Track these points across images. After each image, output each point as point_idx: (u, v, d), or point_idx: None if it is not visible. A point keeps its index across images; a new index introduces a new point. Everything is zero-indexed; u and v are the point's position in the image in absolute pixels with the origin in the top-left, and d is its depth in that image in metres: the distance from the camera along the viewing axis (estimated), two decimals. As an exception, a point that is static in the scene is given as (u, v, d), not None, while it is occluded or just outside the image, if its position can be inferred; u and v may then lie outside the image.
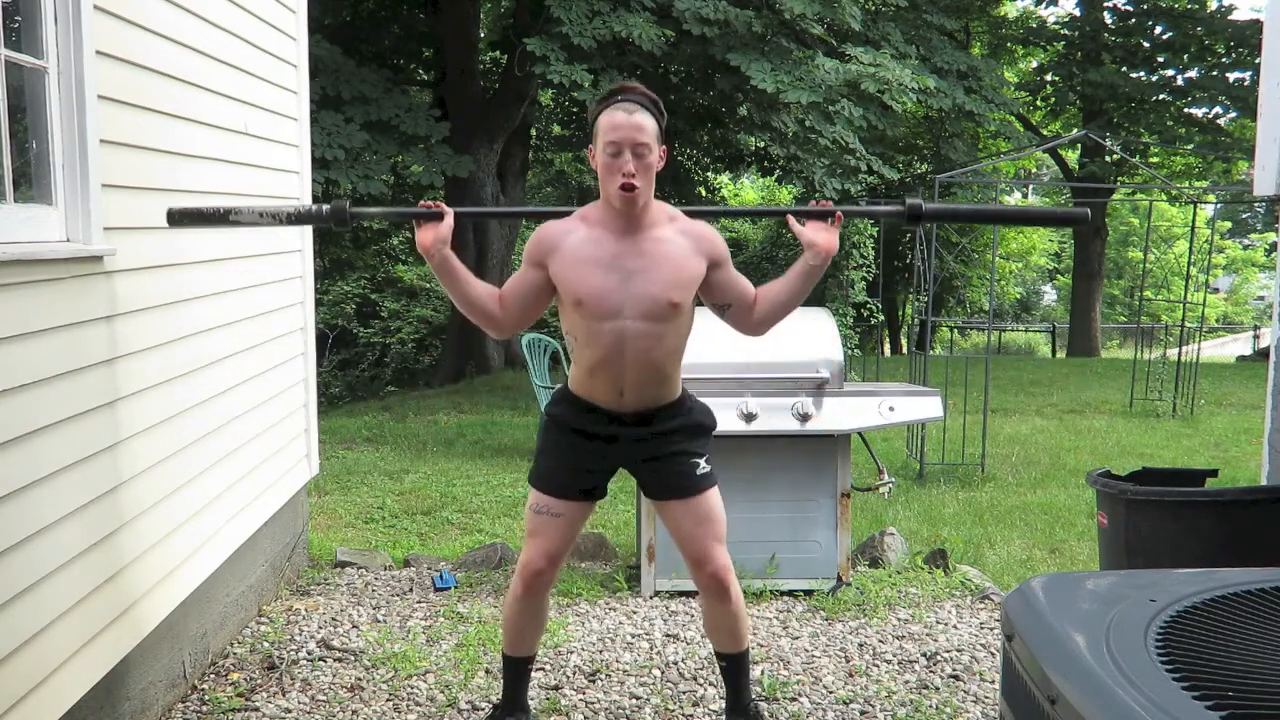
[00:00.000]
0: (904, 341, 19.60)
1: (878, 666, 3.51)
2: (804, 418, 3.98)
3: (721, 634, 2.85)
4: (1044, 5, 20.78)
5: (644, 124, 2.55)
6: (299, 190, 4.32)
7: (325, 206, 2.68)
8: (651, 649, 3.63)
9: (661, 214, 2.65)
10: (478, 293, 2.65)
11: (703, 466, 2.75)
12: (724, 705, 3.01)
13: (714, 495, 2.76)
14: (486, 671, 3.39)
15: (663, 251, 2.59)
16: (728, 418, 3.95)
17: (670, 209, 2.69)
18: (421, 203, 2.63)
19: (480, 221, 13.17)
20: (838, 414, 4.02)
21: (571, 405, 2.76)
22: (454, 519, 5.86)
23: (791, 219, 2.65)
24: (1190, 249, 10.74)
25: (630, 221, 2.59)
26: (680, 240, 2.63)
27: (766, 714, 3.07)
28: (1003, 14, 20.80)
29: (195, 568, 3.24)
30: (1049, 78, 20.42)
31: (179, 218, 2.67)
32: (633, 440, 2.72)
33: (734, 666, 2.90)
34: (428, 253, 2.57)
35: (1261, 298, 34.21)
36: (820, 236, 2.59)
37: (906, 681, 3.39)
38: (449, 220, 2.59)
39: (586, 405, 2.73)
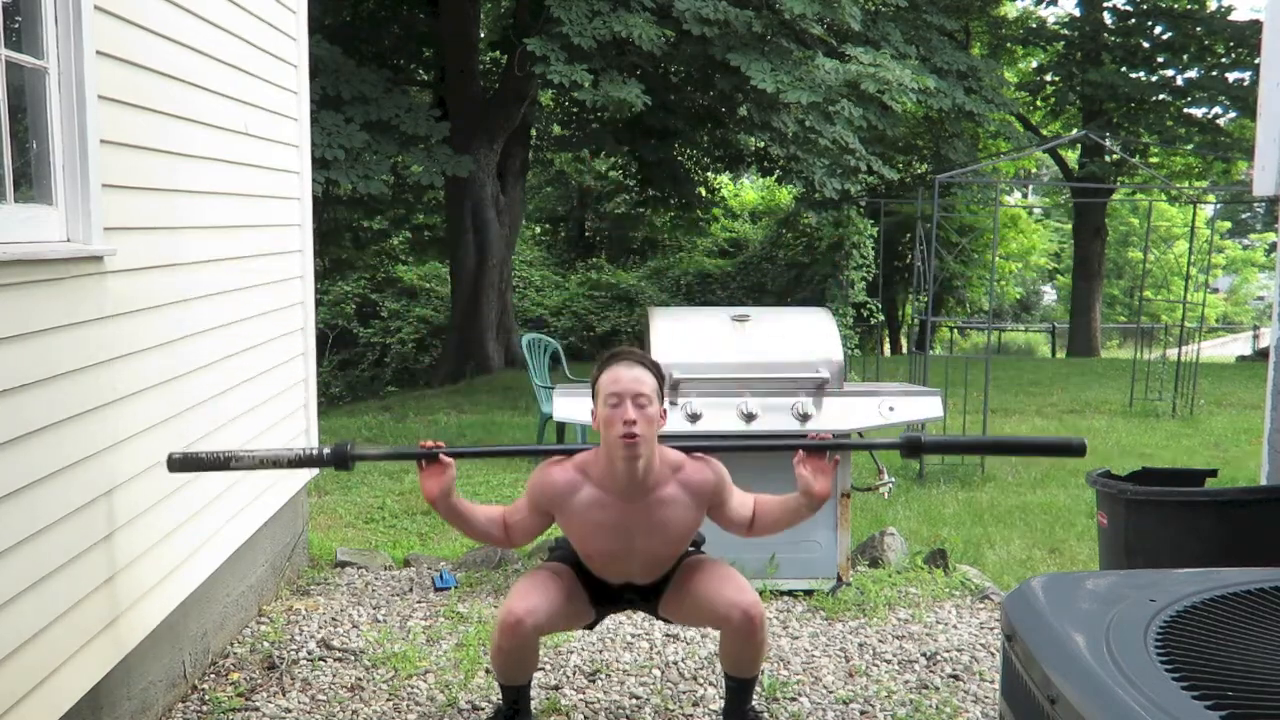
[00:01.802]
0: (904, 341, 19.60)
1: (878, 666, 3.51)
2: (804, 418, 3.98)
3: (742, 664, 2.84)
4: (1044, 5, 20.79)
5: (643, 378, 2.60)
6: (299, 190, 4.32)
7: (325, 449, 2.73)
8: (651, 649, 3.63)
9: (665, 468, 2.68)
10: (484, 526, 2.76)
11: (693, 550, 2.90)
12: (722, 706, 3.01)
13: (713, 558, 2.88)
14: (486, 671, 3.39)
15: (666, 515, 2.67)
16: (728, 418, 3.95)
17: (673, 456, 2.71)
18: (421, 443, 2.68)
19: (480, 223, 13.18)
20: (838, 414, 4.01)
21: (577, 564, 2.88)
22: (454, 519, 5.86)
23: (795, 462, 2.67)
24: (1190, 249, 10.74)
25: (634, 486, 2.63)
26: (682, 498, 2.69)
27: (767, 714, 3.08)
28: (1003, 14, 20.80)
29: (195, 568, 3.24)
30: (1049, 78, 20.43)
31: (179, 463, 2.72)
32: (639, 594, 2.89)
33: (743, 688, 2.90)
34: (434, 503, 2.65)
35: (1261, 298, 34.21)
36: (817, 482, 2.64)
37: (906, 681, 3.39)
38: (452, 470, 2.65)
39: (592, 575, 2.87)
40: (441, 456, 2.63)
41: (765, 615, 2.76)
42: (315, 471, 4.57)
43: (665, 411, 2.67)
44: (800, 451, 2.66)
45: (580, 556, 2.82)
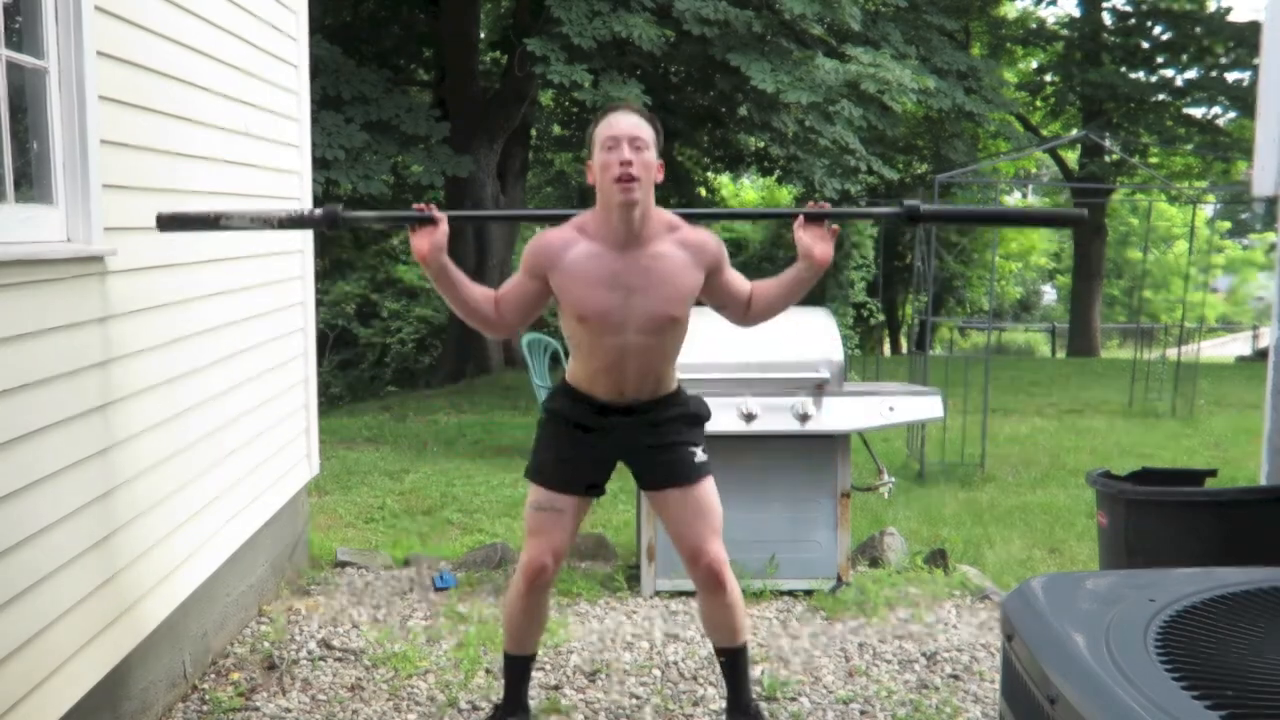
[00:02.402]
0: (904, 341, 19.60)
1: (878, 666, 3.51)
2: (804, 418, 3.98)
3: (719, 629, 2.85)
4: (1044, 5, 20.80)
5: (641, 124, 2.58)
6: (299, 191, 4.32)
7: (317, 210, 2.68)
8: (651, 649, 3.63)
9: (661, 225, 2.65)
10: (474, 297, 2.65)
11: (699, 455, 2.77)
12: (724, 705, 3.01)
13: (710, 486, 2.77)
14: (486, 671, 3.39)
15: (663, 268, 2.61)
16: (728, 418, 3.95)
17: (670, 216, 2.69)
18: (415, 206, 2.61)
19: (479, 223, 13.17)
20: (838, 414, 4.02)
21: (569, 398, 2.78)
22: (454, 519, 5.86)
23: (795, 227, 2.64)
24: (1190, 249, 10.74)
25: (630, 236, 2.59)
26: (679, 254, 2.64)
27: (767, 714, 3.08)
28: (1002, 14, 20.80)
29: (196, 568, 3.24)
30: (1049, 78, 20.43)
31: (168, 222, 2.67)
32: (630, 429, 2.74)
33: (733, 663, 2.89)
34: (425, 260, 2.56)
35: (1261, 298, 34.19)
36: (817, 247, 2.61)
37: (906, 681, 3.39)
38: (444, 227, 2.57)
39: (585, 397, 2.74)
40: (435, 214, 2.57)
41: (731, 572, 2.74)
42: (316, 471, 4.57)
43: (663, 164, 2.63)
44: (800, 218, 2.63)
45: (573, 341, 2.68)
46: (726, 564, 2.74)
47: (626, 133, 2.53)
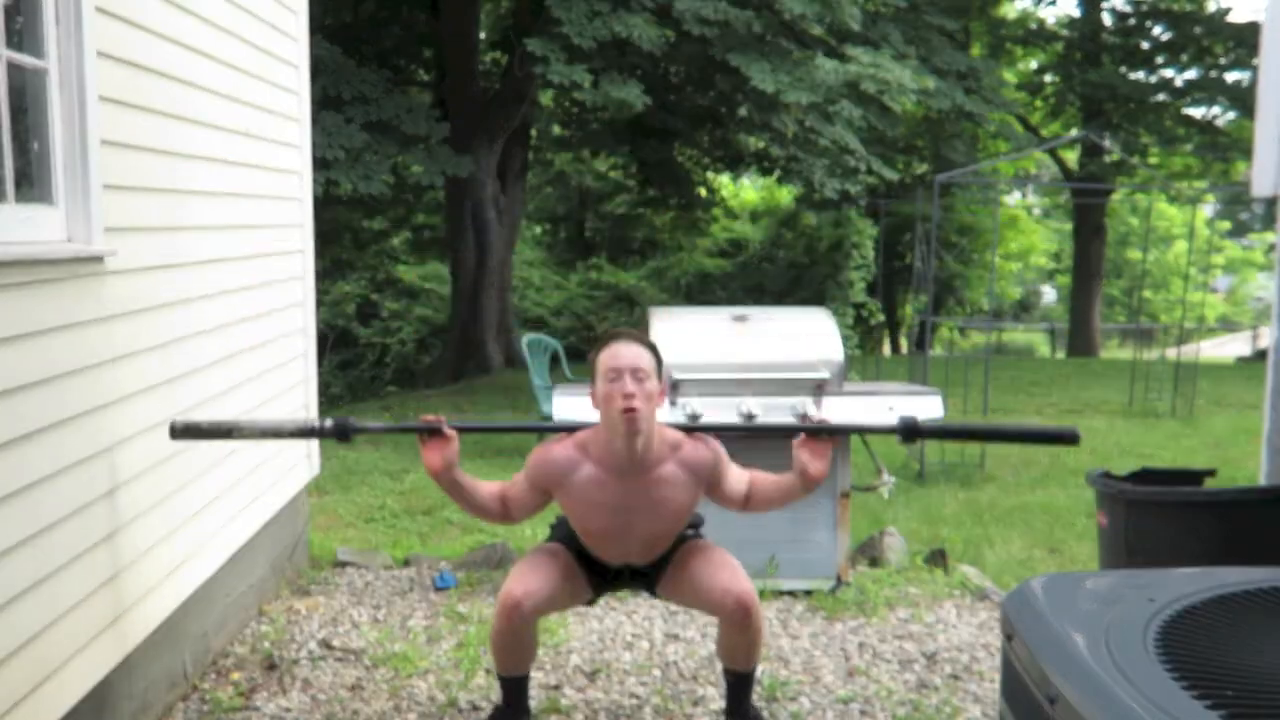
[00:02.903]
0: (904, 341, 19.60)
1: (877, 666, 3.51)
2: (804, 418, 3.98)
3: (737, 657, 2.86)
4: (1043, 5, 20.81)
5: (642, 355, 2.62)
6: (300, 191, 4.32)
7: (328, 422, 2.74)
8: (651, 649, 3.63)
9: (664, 446, 2.69)
10: (483, 500, 2.74)
11: (689, 533, 2.90)
12: (724, 707, 3.02)
13: (710, 543, 2.88)
14: (486, 671, 3.39)
15: (665, 494, 2.68)
16: (728, 418, 3.95)
17: (671, 435, 2.73)
18: (422, 417, 2.66)
19: (480, 223, 13.17)
20: (838, 414, 4.01)
21: (576, 542, 2.88)
22: (454, 519, 5.86)
23: (794, 444, 2.68)
24: (1189, 249, 10.74)
25: (633, 463, 2.64)
26: (681, 476, 2.70)
27: (767, 715, 3.08)
28: (1002, 15, 20.80)
29: (196, 568, 3.24)
30: (1048, 78, 20.43)
31: (181, 432, 2.73)
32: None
33: (741, 682, 2.91)
34: (436, 475, 2.64)
35: (1260, 298, 34.18)
36: (813, 465, 2.64)
37: (906, 681, 3.39)
38: (455, 444, 2.64)
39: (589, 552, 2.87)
40: (445, 429, 2.62)
41: (759, 605, 2.76)
42: (316, 471, 4.58)
43: (664, 390, 2.69)
44: (801, 434, 2.67)
45: (579, 535, 2.83)
46: (756, 598, 2.75)
47: (629, 364, 2.58)
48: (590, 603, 3.00)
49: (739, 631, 2.76)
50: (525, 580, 2.71)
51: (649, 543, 2.79)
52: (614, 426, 2.59)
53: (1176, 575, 2.12)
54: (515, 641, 2.76)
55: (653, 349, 2.67)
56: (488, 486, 2.77)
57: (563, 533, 2.90)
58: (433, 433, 2.63)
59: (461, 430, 2.68)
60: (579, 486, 2.68)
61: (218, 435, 2.74)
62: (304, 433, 2.80)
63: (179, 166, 3.11)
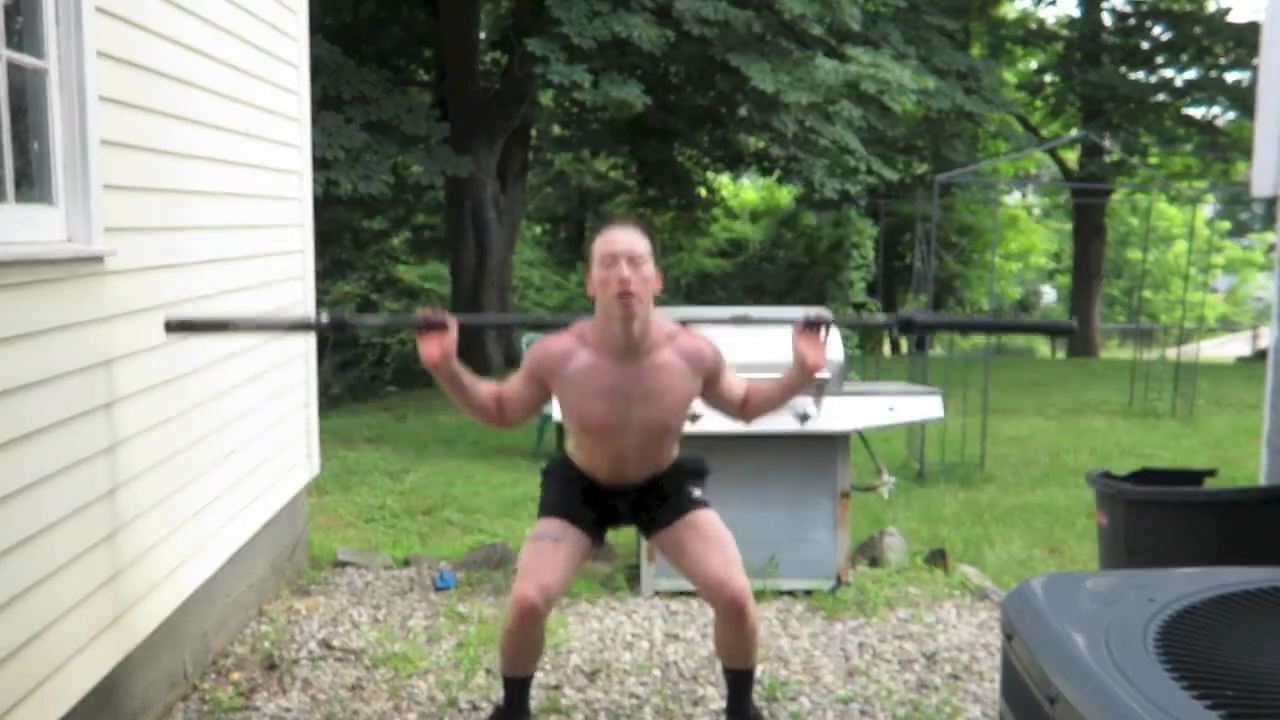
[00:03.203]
0: (904, 341, 19.60)
1: (877, 666, 3.51)
2: (804, 418, 3.98)
3: (734, 654, 2.85)
4: (1044, 5, 20.82)
5: (638, 239, 2.61)
6: (299, 191, 4.32)
7: (324, 316, 2.74)
8: (651, 649, 3.63)
9: (660, 334, 2.69)
10: (480, 398, 2.71)
11: (696, 492, 2.86)
12: (724, 707, 3.02)
13: (713, 517, 2.84)
14: (486, 671, 3.39)
15: (662, 380, 2.67)
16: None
17: (669, 325, 2.73)
18: (420, 312, 2.61)
19: (480, 223, 13.17)
20: (838, 414, 4.02)
21: (570, 470, 2.87)
22: (454, 519, 5.86)
23: (793, 334, 2.68)
24: (1189, 249, 10.74)
25: (630, 348, 2.64)
26: (678, 364, 2.69)
27: (767, 715, 3.08)
28: (1002, 15, 20.81)
29: (196, 567, 3.24)
30: (1048, 78, 20.44)
31: (176, 326, 2.72)
32: (633, 494, 2.86)
33: (740, 681, 2.90)
34: (435, 366, 2.60)
35: (1260, 298, 34.18)
36: (810, 354, 2.65)
37: (906, 681, 3.39)
38: (453, 333, 2.60)
39: (585, 475, 2.85)
40: (445, 318, 2.59)
41: (753, 603, 2.74)
42: (316, 471, 4.57)
43: (661, 274, 2.69)
44: (798, 324, 2.69)
45: (574, 441, 2.77)
46: (750, 595, 2.73)
47: (624, 250, 2.57)
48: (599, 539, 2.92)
49: (734, 628, 2.75)
50: (538, 577, 2.67)
51: (647, 441, 2.72)
52: (610, 311, 2.59)
53: (1177, 575, 2.12)
54: (528, 641, 2.76)
55: (649, 233, 2.67)
56: (485, 385, 2.74)
57: (555, 484, 2.84)
58: (432, 326, 2.59)
59: (461, 324, 2.64)
60: (577, 373, 2.66)
61: (213, 329, 2.72)
62: (300, 327, 2.79)
63: (179, 166, 3.11)
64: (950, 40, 14.42)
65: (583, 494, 2.83)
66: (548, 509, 2.84)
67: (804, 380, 2.69)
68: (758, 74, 9.94)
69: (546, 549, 2.73)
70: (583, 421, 2.71)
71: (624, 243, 2.58)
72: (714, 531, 2.79)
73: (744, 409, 2.81)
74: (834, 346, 4.12)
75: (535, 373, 2.71)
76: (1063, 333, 2.75)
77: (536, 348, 2.74)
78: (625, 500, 2.85)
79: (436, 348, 2.57)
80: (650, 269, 2.60)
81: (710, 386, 2.76)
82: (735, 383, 2.80)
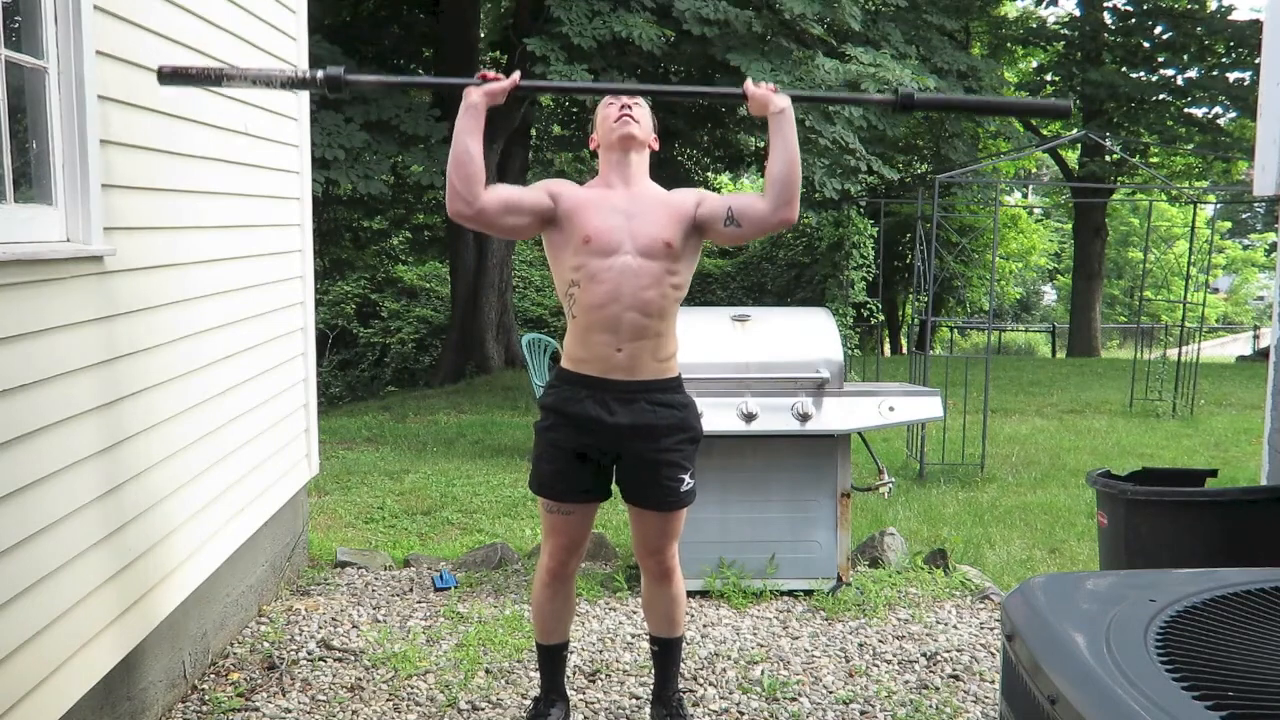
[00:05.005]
0: (904, 341, 19.60)
1: (878, 666, 3.51)
2: (804, 418, 3.98)
3: (661, 619, 2.97)
4: (1044, 5, 20.80)
5: (638, 102, 2.85)
6: (299, 190, 4.32)
7: (319, 72, 2.64)
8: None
9: (653, 185, 2.89)
10: (479, 155, 2.67)
11: (687, 483, 2.85)
12: (650, 692, 3.11)
13: (685, 511, 2.92)
14: (486, 671, 3.39)
15: (657, 198, 2.83)
16: (728, 418, 3.95)
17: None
18: (479, 75, 2.70)
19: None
20: (838, 414, 4.02)
21: (566, 387, 2.78)
22: (454, 519, 5.86)
23: (748, 95, 2.76)
24: (1190, 249, 10.74)
25: (628, 178, 2.82)
26: (672, 195, 2.86)
27: (688, 705, 3.09)
28: (1003, 14, 20.80)
29: (196, 567, 3.24)
30: (1049, 78, 20.43)
31: (170, 76, 2.59)
32: (630, 434, 2.74)
33: (666, 652, 2.99)
34: (472, 100, 2.64)
35: (1261, 298, 34.20)
36: (753, 89, 2.75)
37: (906, 681, 3.39)
38: (508, 85, 2.68)
39: (583, 380, 2.74)
40: (492, 75, 2.68)
41: (679, 569, 2.92)
42: (315, 471, 4.57)
43: (657, 138, 2.90)
44: (747, 85, 2.77)
45: (575, 268, 2.72)
46: (676, 560, 2.94)
47: (624, 99, 2.85)
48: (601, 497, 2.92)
49: (659, 586, 2.93)
50: (558, 539, 2.87)
51: (648, 250, 2.70)
52: (611, 138, 2.80)
53: (1177, 575, 2.12)
54: (560, 597, 2.94)
55: (648, 101, 2.91)
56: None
57: (547, 450, 2.81)
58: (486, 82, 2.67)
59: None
60: (582, 193, 2.80)
61: (207, 81, 2.62)
62: (295, 83, 2.68)
63: (178, 166, 3.11)
64: (951, 39, 14.41)
65: (574, 457, 2.78)
66: (541, 487, 2.85)
67: (780, 119, 2.75)
68: (758, 73, 9.93)
69: (560, 518, 2.87)
70: (586, 231, 2.70)
71: (625, 98, 2.85)
72: (675, 527, 2.91)
73: (765, 193, 2.75)
74: (834, 346, 4.12)
75: (545, 185, 2.81)
76: (1058, 115, 2.70)
77: (551, 179, 2.91)
78: (623, 438, 2.74)
79: (490, 88, 2.67)
80: (649, 124, 2.85)
81: (705, 206, 2.78)
82: (726, 196, 2.85)
